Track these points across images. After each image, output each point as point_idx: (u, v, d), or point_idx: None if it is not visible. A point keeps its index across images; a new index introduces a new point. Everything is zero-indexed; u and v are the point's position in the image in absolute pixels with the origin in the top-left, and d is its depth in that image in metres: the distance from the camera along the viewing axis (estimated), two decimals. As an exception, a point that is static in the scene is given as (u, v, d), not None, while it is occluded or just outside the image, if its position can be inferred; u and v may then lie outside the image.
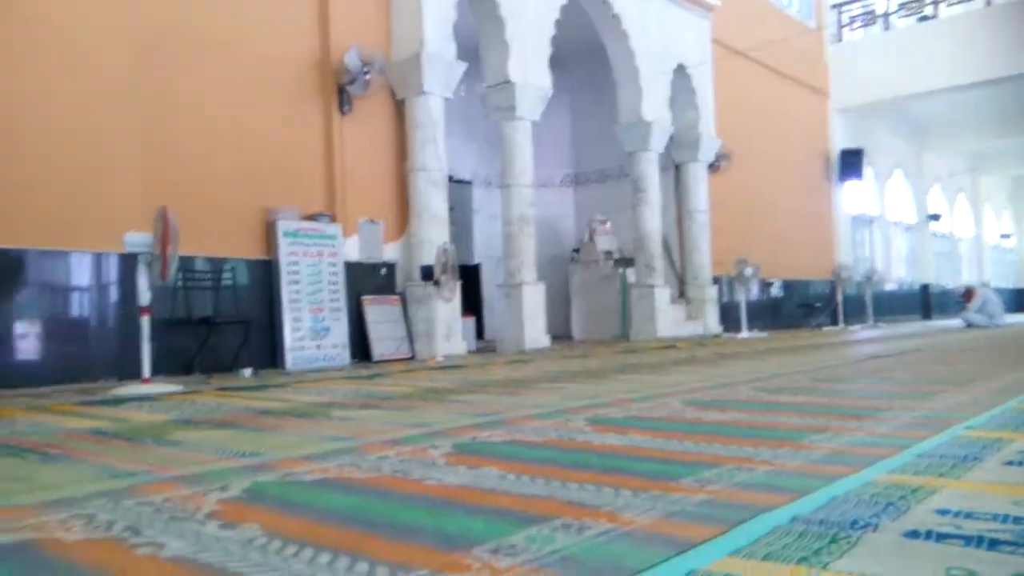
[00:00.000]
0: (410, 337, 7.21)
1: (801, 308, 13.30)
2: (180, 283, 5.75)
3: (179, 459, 2.29)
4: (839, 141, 15.16)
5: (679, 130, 10.65)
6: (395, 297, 7.29)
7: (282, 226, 6.40)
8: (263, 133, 6.50)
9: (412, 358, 7.09)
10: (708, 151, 10.99)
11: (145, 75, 5.78)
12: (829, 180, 15.03)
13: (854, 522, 1.40)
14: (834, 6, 15.36)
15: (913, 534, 1.33)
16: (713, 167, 11.29)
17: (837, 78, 15.03)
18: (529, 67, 8.16)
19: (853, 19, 15.47)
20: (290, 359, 6.28)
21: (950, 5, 14.28)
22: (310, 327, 6.48)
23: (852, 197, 15.69)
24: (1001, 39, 13.16)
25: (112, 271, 5.54)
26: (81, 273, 5.43)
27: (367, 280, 7.13)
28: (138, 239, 4.78)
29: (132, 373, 5.03)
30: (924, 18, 14.69)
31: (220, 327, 5.77)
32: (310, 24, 6.91)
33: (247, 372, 5.77)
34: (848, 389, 3.83)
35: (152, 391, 4.55)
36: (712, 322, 10.81)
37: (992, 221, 24.46)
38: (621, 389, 3.99)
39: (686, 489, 1.71)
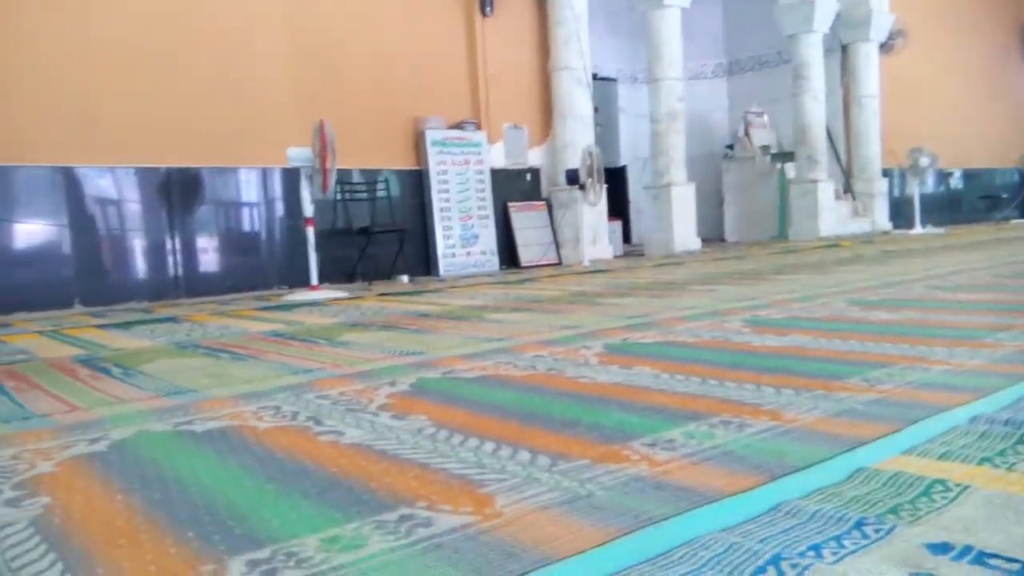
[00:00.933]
0: (556, 242, 7.24)
1: (984, 200, 12.07)
2: (339, 195, 6.04)
3: (349, 358, 2.46)
4: (1038, 8, 13.26)
5: (846, 7, 9.68)
6: (541, 203, 7.30)
7: (430, 136, 6.51)
8: (409, 42, 6.55)
9: (559, 263, 7.14)
10: (880, 29, 9.94)
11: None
12: (1023, 56, 13.25)
13: (1049, 425, 1.28)
14: None
15: (1121, 439, 1.20)
16: (885, 47, 10.23)
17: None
18: (677, -50, 7.63)
19: None
20: (442, 266, 6.51)
21: None
22: (460, 234, 6.66)
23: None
24: None
25: (277, 185, 5.90)
26: (250, 188, 5.82)
27: (513, 186, 7.17)
28: (299, 153, 5.04)
29: (301, 280, 5.41)
30: None
31: (377, 236, 6.04)
32: (448, -75, 6.79)
33: (404, 278, 6.05)
34: (1040, 286, 3.48)
35: (320, 297, 4.87)
36: (881, 218, 10.06)
37: None
38: (780, 290, 3.83)
39: (853, 388, 1.63)
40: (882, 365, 1.86)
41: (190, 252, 5.51)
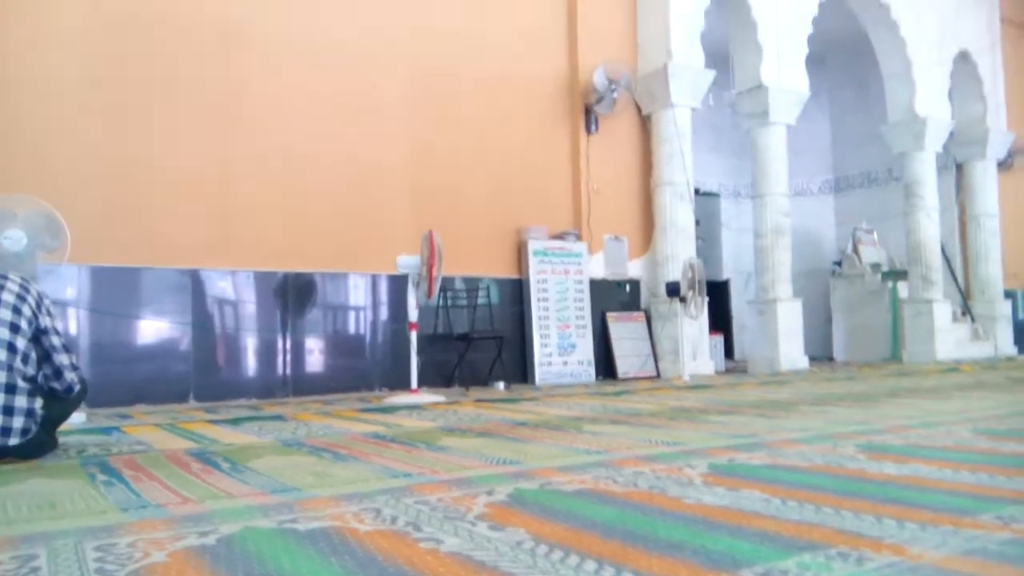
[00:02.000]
0: (655, 355, 7.14)
1: (1125, 326, 11.16)
2: (442, 301, 6.21)
3: (448, 463, 2.46)
4: None
5: (961, 125, 9.50)
6: (639, 314, 7.27)
7: (532, 245, 6.67)
8: (515, 157, 6.85)
9: (657, 376, 7.01)
10: (998, 147, 9.68)
11: (412, 111, 6.37)
12: None
13: None
14: None
15: None
16: (1004, 165, 9.91)
17: None
18: (783, 68, 7.77)
19: None
20: (539, 374, 6.51)
21: None
22: (557, 343, 6.67)
23: None
24: None
25: (383, 291, 6.14)
26: (358, 293, 6.08)
27: (611, 297, 7.19)
28: (408, 261, 5.25)
29: (401, 383, 5.52)
30: None
31: (476, 342, 6.14)
32: (558, 46, 7.19)
33: (500, 385, 6.07)
34: None
35: (419, 400, 4.94)
36: (1004, 342, 9.44)
37: None
38: (896, 415, 3.62)
39: (985, 526, 1.50)
40: (1018, 502, 1.71)
41: (299, 353, 5.74)
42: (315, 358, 5.84)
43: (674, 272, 6.92)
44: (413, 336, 5.24)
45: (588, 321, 6.87)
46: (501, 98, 6.83)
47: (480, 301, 6.44)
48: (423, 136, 6.41)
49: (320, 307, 5.90)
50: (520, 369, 6.59)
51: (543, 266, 6.72)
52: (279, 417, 4.17)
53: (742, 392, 5.22)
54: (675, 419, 3.66)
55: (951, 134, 9.34)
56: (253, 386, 5.53)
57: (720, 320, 9.06)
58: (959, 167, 9.82)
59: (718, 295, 9.35)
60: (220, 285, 5.52)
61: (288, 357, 5.68)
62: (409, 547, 1.44)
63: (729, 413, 3.88)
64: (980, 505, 1.68)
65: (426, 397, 5.06)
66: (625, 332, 7.12)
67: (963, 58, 9.41)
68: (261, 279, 5.64)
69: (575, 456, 2.54)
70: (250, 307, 5.61)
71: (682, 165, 7.20)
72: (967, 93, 9.54)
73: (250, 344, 5.58)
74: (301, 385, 5.68)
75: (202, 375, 5.35)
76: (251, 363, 5.58)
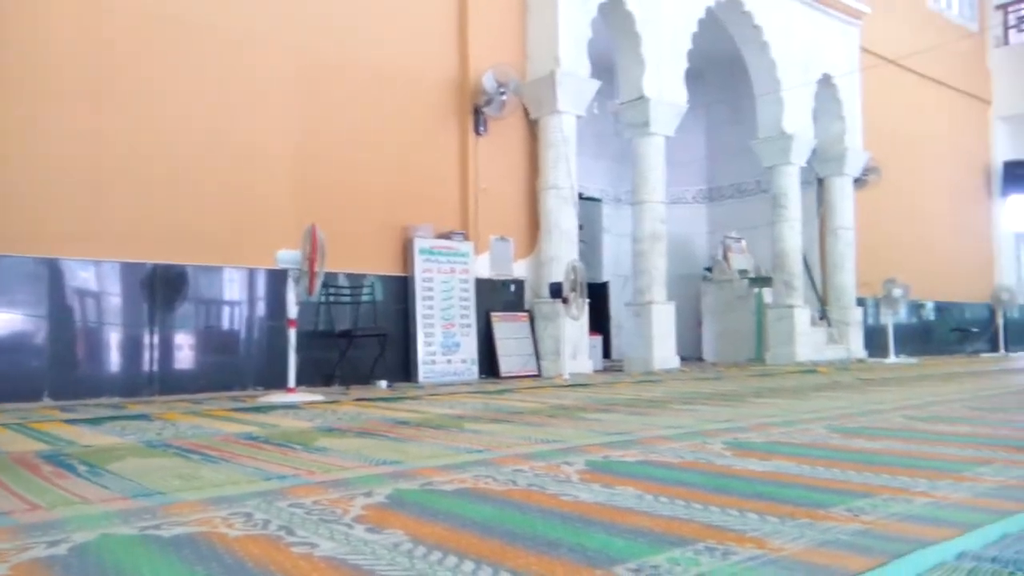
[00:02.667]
0: (537, 354, 7.25)
1: (955, 332, 12.33)
2: (323, 298, 6.06)
3: (325, 464, 2.40)
4: (1002, 152, 14.00)
5: (823, 143, 10.19)
6: (523, 314, 7.36)
7: (418, 243, 6.62)
8: (404, 154, 6.77)
9: (538, 375, 7.12)
10: (855, 165, 10.44)
11: (298, 102, 6.18)
12: (989, 194, 13.90)
13: (1036, 565, 1.27)
14: (999, 7, 14.25)
15: (1110, 583, 1.19)
16: (860, 182, 10.70)
17: (1001, 84, 13.91)
18: (664, 82, 8.07)
19: (1021, 20, 14.27)
20: (422, 372, 6.47)
21: None
22: (441, 342, 6.66)
23: (1016, 213, 14.40)
24: None
25: (261, 286, 5.92)
26: (233, 288, 5.83)
27: (496, 297, 7.24)
28: (288, 255, 5.08)
29: (278, 382, 5.34)
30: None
31: (358, 340, 6.03)
32: (449, 47, 7.16)
33: (382, 384, 5.99)
34: (1014, 420, 3.50)
35: (297, 399, 4.80)
36: (856, 346, 10.20)
37: None
38: (759, 413, 3.83)
39: (838, 518, 1.61)
40: (866, 495, 1.84)
41: (167, 349, 5.44)
42: (185, 355, 5.55)
43: (557, 274, 7.05)
44: (292, 333, 5.08)
45: (473, 320, 6.89)
46: (391, 94, 6.73)
47: (364, 298, 6.33)
48: (310, 128, 6.24)
49: (192, 301, 5.61)
50: (403, 367, 6.52)
51: (429, 264, 6.68)
52: (144, 416, 3.94)
53: (618, 390, 5.38)
54: (554, 417, 3.73)
55: (814, 151, 10.00)
56: (116, 384, 5.20)
57: (599, 321, 9.30)
58: (820, 182, 10.53)
59: (598, 297, 9.60)
60: (82, 276, 5.15)
61: (155, 353, 5.38)
62: (281, 552, 1.39)
63: (606, 411, 3.99)
64: (833, 499, 1.81)
65: (304, 396, 4.92)
66: (509, 332, 7.19)
67: (826, 81, 10.08)
68: (128, 270, 5.30)
69: (456, 455, 2.54)
70: (115, 300, 5.27)
71: (567, 170, 7.34)
72: (829, 114, 10.24)
73: (113, 339, 5.24)
74: (169, 383, 5.39)
75: (58, 372, 4.98)
76: (114, 359, 5.24)
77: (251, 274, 5.87)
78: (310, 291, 5.03)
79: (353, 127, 6.49)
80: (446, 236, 6.86)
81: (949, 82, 12.89)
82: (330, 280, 6.09)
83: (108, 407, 4.53)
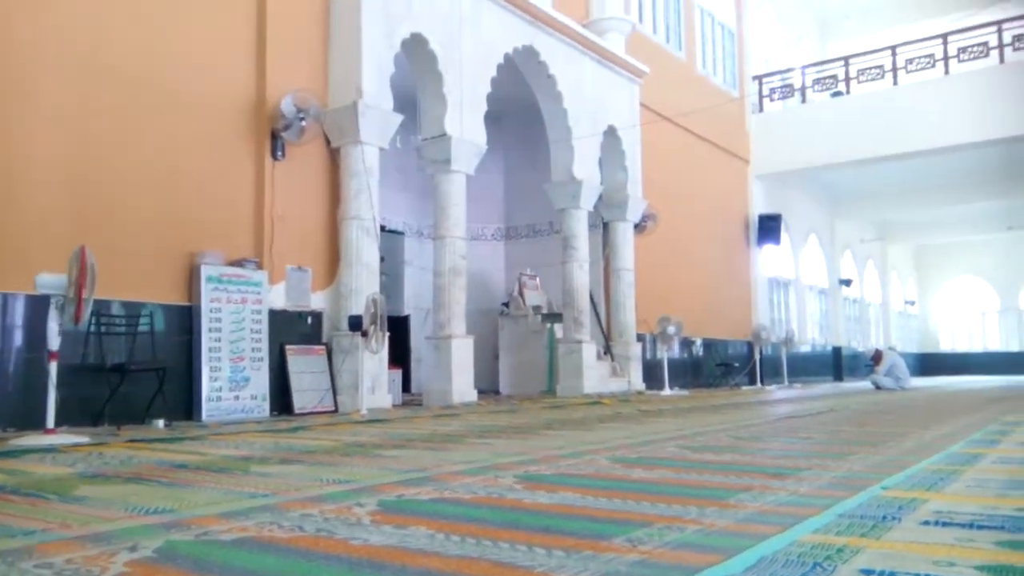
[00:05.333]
0: (334, 389, 7.04)
1: (720, 367, 13.64)
2: (93, 327, 5.49)
3: (84, 516, 2.15)
4: (758, 206, 15.82)
5: (608, 190, 10.94)
6: (320, 347, 7.13)
7: (205, 271, 6.22)
8: (192, 176, 6.35)
9: (335, 411, 6.91)
10: (635, 211, 11.30)
11: (76, 115, 5.62)
12: (748, 243, 15.62)
13: (783, 583, 1.41)
14: (755, 77, 16.19)
15: (839, 595, 1.35)
16: (639, 227, 11.60)
17: (757, 146, 15.77)
18: (465, 122, 8.28)
19: (772, 91, 16.33)
20: (206, 410, 6.04)
21: (860, 83, 15.25)
22: (229, 376, 6.27)
23: (770, 260, 16.32)
24: (908, 117, 14.07)
25: (17, 313, 5.25)
26: (-17, 314, 5.13)
27: (292, 329, 6.96)
28: (51, 280, 4.56)
29: (35, 422, 4.74)
30: (837, 94, 15.62)
31: (134, 375, 5.51)
32: (246, 68, 6.86)
33: (160, 423, 5.50)
34: (769, 448, 3.92)
35: (56, 442, 4.28)
36: (636, 379, 10.96)
37: (898, 288, 25.80)
38: (549, 445, 3.97)
39: (619, 549, 1.70)
40: (644, 524, 1.96)
41: None
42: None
43: (358, 306, 6.92)
44: (53, 367, 4.54)
45: (265, 353, 6.55)
46: (182, 113, 6.31)
47: (141, 328, 5.82)
48: (88, 142, 5.67)
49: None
50: (186, 405, 6.05)
51: (218, 293, 6.28)
52: None
53: (417, 425, 5.35)
54: (349, 455, 3.62)
55: (600, 197, 10.72)
56: None
57: (400, 354, 9.24)
58: (606, 226, 11.29)
59: (399, 330, 9.54)
60: None
61: None
62: (24, 624, 1.22)
63: (403, 447, 3.94)
64: (615, 529, 1.91)
65: (65, 438, 4.39)
66: (305, 365, 6.92)
67: (612, 133, 10.88)
68: None
69: (238, 501, 2.38)
70: None
71: (369, 201, 7.27)
72: (613, 163, 11.04)
73: None
74: None
75: None
76: None
77: (4, 300, 5.19)
78: (77, 319, 4.54)
79: (138, 145, 6.00)
80: (238, 264, 6.51)
81: (715, 141, 14.41)
82: (102, 308, 5.54)
83: None
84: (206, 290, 6.20)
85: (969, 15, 14.51)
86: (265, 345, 6.57)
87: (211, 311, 6.22)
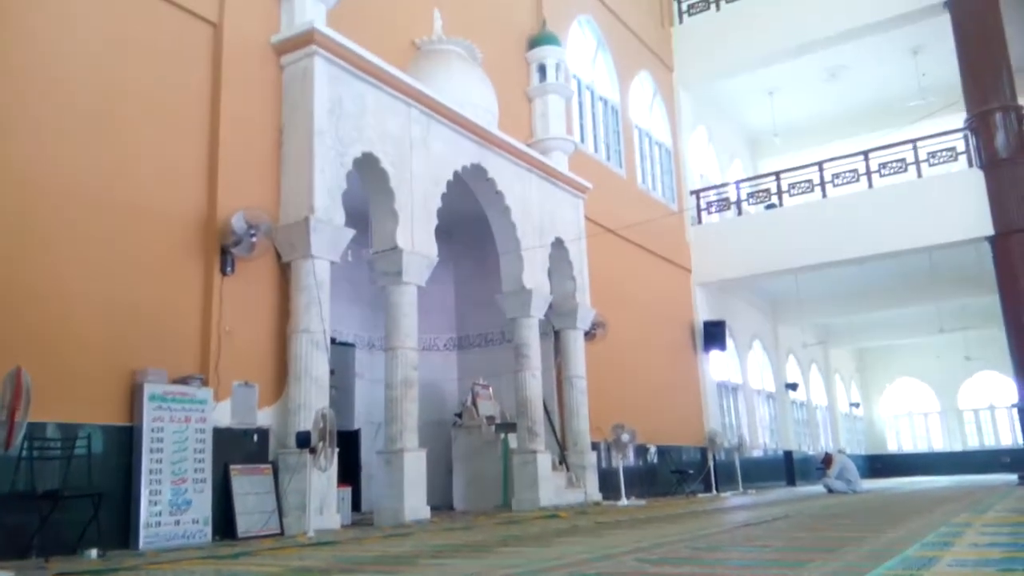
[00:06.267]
0: (280, 510, 6.77)
1: (675, 474, 13.56)
2: (25, 452, 5.24)
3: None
4: (703, 313, 16.22)
5: (558, 299, 11.13)
6: (266, 466, 6.90)
7: (148, 389, 6.05)
8: (138, 292, 6.27)
9: (281, 534, 6.63)
10: (585, 319, 11.48)
11: (12, 223, 5.56)
12: (696, 349, 15.90)
13: None
14: (693, 192, 16.97)
15: None
16: (589, 335, 11.75)
17: (698, 256, 16.34)
18: (416, 235, 8.44)
19: (710, 204, 17.09)
20: (143, 537, 5.74)
21: (792, 196, 16.10)
22: (170, 500, 6.00)
23: (717, 366, 16.60)
24: (838, 227, 14.82)
25: (-54, 438, 5.00)
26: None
27: (237, 447, 6.74)
28: (-17, 403, 4.39)
29: (-45, 556, 4.44)
30: (771, 206, 16.43)
31: (67, 501, 5.24)
32: (197, 185, 6.92)
33: (93, 553, 5.19)
34: (726, 558, 3.89)
35: (-22, 578, 4.01)
36: (592, 489, 10.80)
37: (843, 391, 26.36)
38: (505, 564, 3.87)
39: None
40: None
41: None
42: None
43: (306, 421, 6.77)
44: (-21, 496, 4.30)
45: (208, 474, 6.31)
46: (128, 228, 6.29)
47: (78, 451, 5.57)
48: (19, 257, 5.58)
49: None
50: (122, 532, 5.74)
51: (161, 412, 6.09)
52: None
53: (366, 547, 5.17)
54: (297, 582, 3.47)
55: (551, 305, 10.89)
56: None
57: (350, 470, 8.98)
58: (557, 334, 11.41)
59: (349, 445, 9.31)
60: None
61: None
62: None
63: (350, 571, 3.80)
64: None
65: (-13, 573, 4.12)
66: (249, 486, 6.67)
67: (559, 244, 11.19)
68: None
69: (181, 637, 2.25)
70: None
71: (320, 314, 7.26)
72: (562, 273, 11.29)
73: None
74: None
75: None
76: None
77: (-70, 425, 4.94)
78: (7, 444, 4.36)
79: (80, 261, 5.93)
80: (183, 381, 6.35)
81: (658, 251, 14.91)
82: (36, 431, 5.30)
83: None
84: (148, 409, 6.02)
85: (887, 133, 15.58)
86: (208, 465, 6.34)
87: (153, 431, 6.02)
